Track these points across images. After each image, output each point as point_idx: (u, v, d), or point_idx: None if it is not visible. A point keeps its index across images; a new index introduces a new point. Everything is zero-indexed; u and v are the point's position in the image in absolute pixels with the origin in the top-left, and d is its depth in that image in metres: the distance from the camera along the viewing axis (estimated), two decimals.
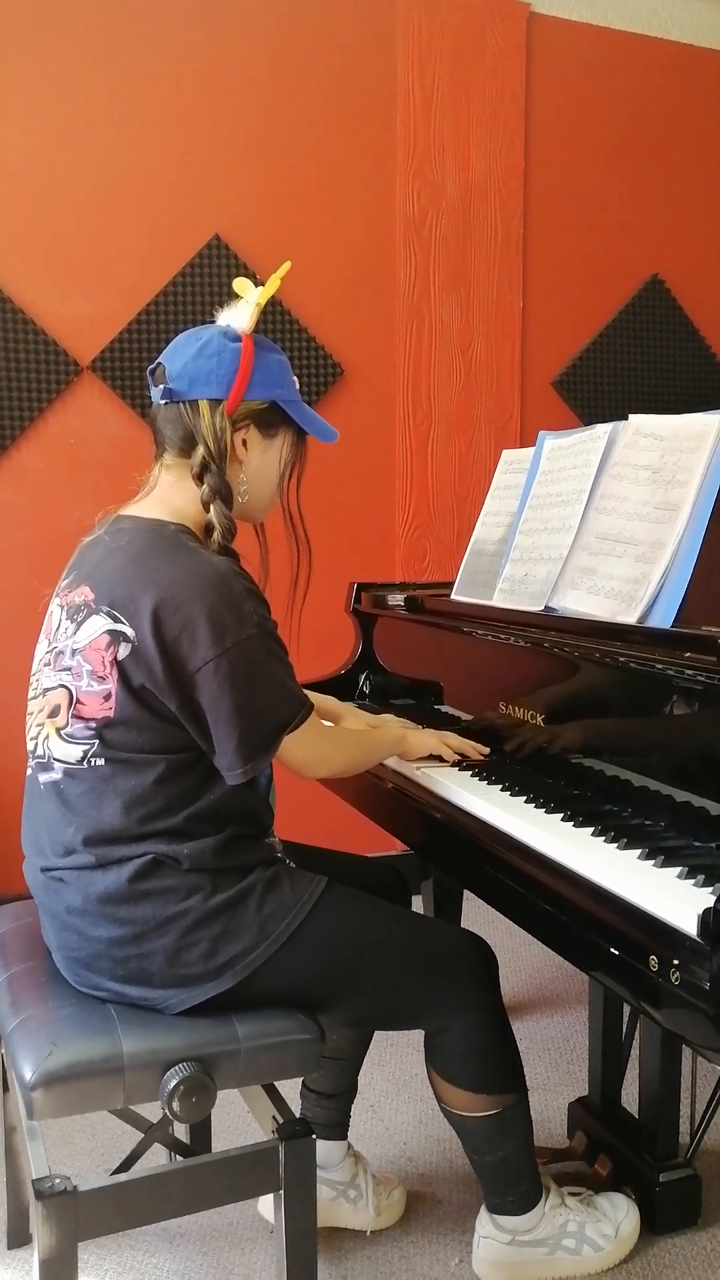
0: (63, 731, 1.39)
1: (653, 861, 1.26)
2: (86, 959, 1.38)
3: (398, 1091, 2.18)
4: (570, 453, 1.85)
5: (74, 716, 1.38)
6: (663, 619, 1.49)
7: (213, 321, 1.52)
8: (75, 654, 1.38)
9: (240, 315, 1.49)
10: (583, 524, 1.74)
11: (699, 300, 3.50)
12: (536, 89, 3.23)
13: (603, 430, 1.78)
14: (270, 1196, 1.40)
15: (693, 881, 1.20)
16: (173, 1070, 1.30)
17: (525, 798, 1.55)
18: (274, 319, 2.98)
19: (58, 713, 1.39)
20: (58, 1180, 1.25)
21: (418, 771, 1.74)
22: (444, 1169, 1.92)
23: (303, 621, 1.57)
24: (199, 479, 1.45)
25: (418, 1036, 1.58)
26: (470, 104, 3.14)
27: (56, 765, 1.40)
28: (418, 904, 1.97)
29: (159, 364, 1.48)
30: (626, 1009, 1.85)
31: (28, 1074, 1.26)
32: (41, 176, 2.76)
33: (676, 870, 1.23)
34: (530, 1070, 1.84)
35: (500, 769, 1.71)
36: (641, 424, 1.70)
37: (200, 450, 1.44)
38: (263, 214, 2.97)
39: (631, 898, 1.20)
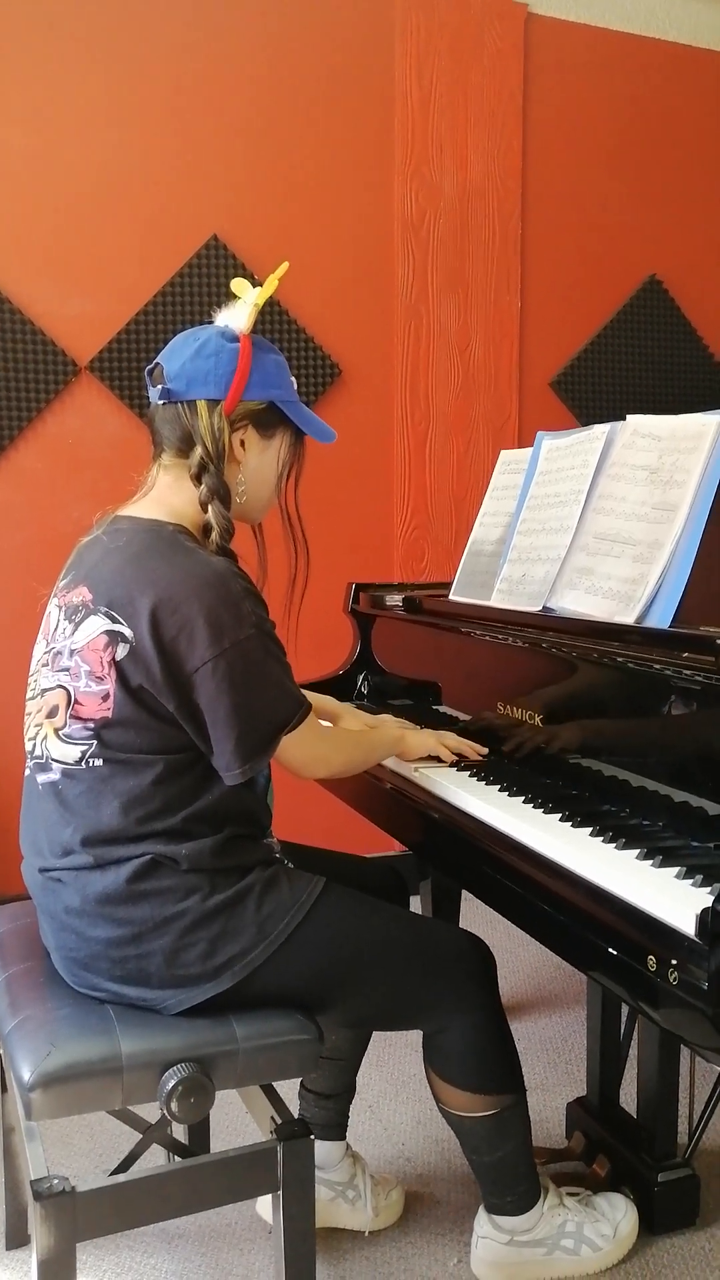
0: (61, 732, 1.39)
1: (651, 861, 1.26)
2: (85, 959, 1.38)
3: (396, 1092, 2.18)
4: (568, 453, 1.85)
5: (72, 717, 1.38)
6: (660, 619, 1.49)
7: (211, 322, 1.52)
8: (73, 654, 1.38)
9: (238, 316, 1.49)
10: (581, 524, 1.74)
11: (697, 300, 3.51)
12: (534, 89, 3.23)
13: (600, 431, 1.78)
14: (268, 1197, 1.40)
15: (691, 881, 1.20)
16: (171, 1071, 1.30)
17: (523, 798, 1.55)
18: (272, 319, 2.98)
19: (56, 713, 1.39)
20: (56, 1181, 1.25)
21: (416, 772, 1.74)
22: (442, 1169, 1.92)
23: (301, 622, 1.57)
24: (197, 479, 1.45)
25: (416, 1037, 1.58)
26: (468, 104, 3.14)
27: (55, 766, 1.40)
28: (416, 904, 1.97)
29: (157, 364, 1.48)
30: (625, 1009, 1.85)
31: (26, 1075, 1.26)
32: (40, 177, 2.76)
33: (675, 870, 1.23)
34: (528, 1070, 1.84)
35: (498, 769, 1.71)
36: (639, 424, 1.70)
37: (198, 450, 1.44)
38: (261, 214, 2.97)
39: (629, 898, 1.20)
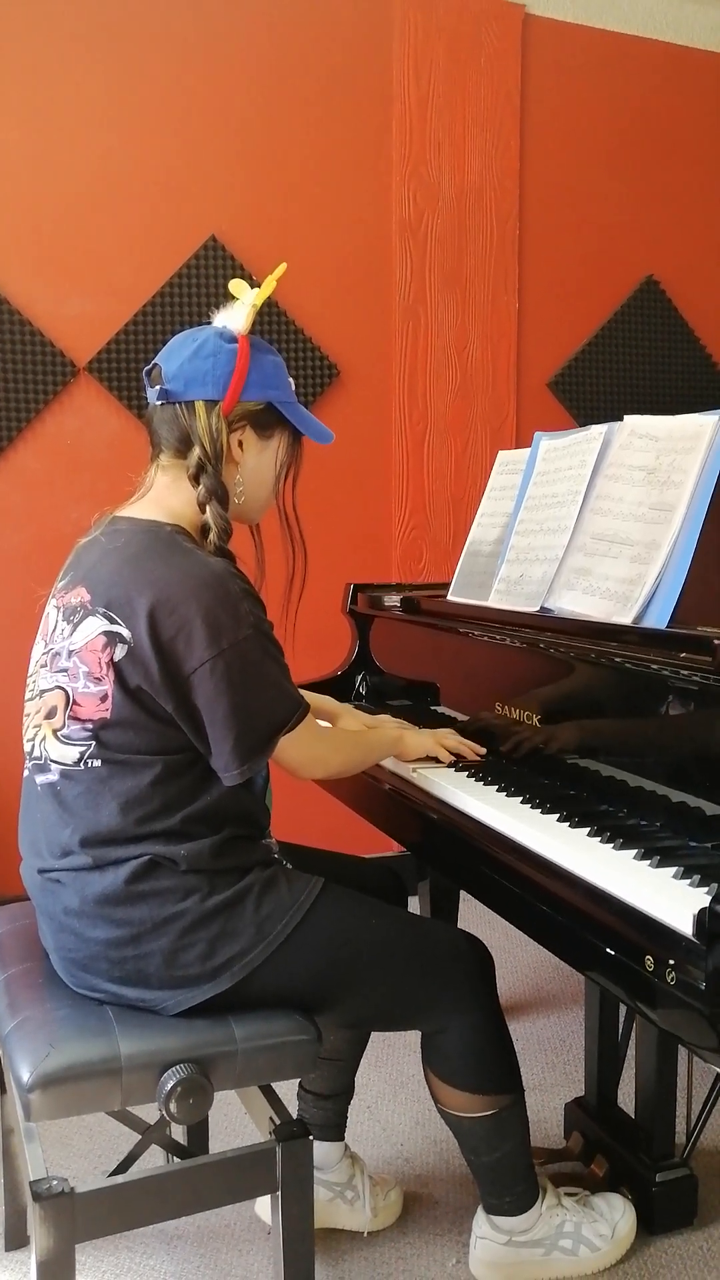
0: (59, 733, 1.39)
1: (649, 862, 1.27)
2: (84, 960, 1.38)
3: (394, 1092, 2.18)
4: (566, 454, 1.86)
5: (70, 718, 1.38)
6: (658, 619, 1.49)
7: (209, 323, 1.52)
8: (72, 655, 1.38)
9: (236, 316, 1.49)
10: (578, 525, 1.74)
11: (694, 301, 3.51)
12: (532, 90, 3.24)
13: (598, 431, 1.78)
14: (267, 1197, 1.40)
15: (688, 881, 1.20)
16: (170, 1071, 1.30)
17: (521, 798, 1.55)
18: (270, 320, 2.98)
19: (54, 714, 1.39)
20: (55, 1182, 1.25)
21: (414, 772, 1.74)
22: (441, 1170, 1.92)
23: (299, 622, 1.57)
24: (195, 480, 1.45)
25: (414, 1038, 1.58)
26: (466, 105, 3.15)
27: (53, 767, 1.40)
28: (414, 905, 1.97)
29: (155, 365, 1.48)
30: (623, 1009, 1.85)
31: (25, 1075, 1.26)
32: (38, 177, 2.76)
33: (672, 870, 1.23)
34: (527, 1071, 1.84)
35: (496, 769, 1.71)
36: (637, 425, 1.70)
37: (196, 451, 1.44)
38: (259, 215, 2.97)
39: (627, 898, 1.20)
